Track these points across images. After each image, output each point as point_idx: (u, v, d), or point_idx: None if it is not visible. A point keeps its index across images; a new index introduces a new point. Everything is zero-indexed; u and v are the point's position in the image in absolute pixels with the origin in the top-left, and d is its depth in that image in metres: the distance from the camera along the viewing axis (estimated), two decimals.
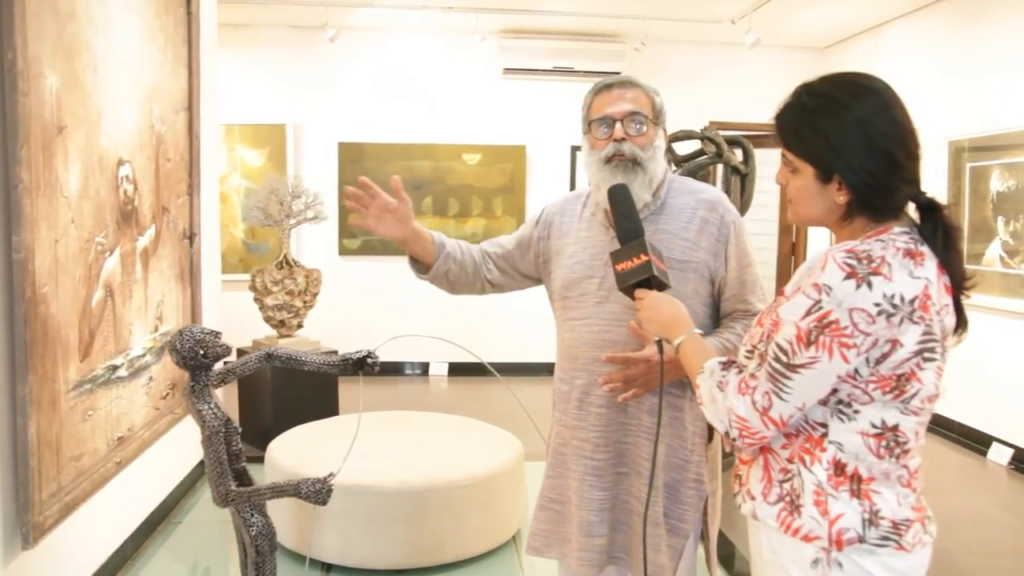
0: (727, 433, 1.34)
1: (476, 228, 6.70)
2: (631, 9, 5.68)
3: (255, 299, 4.67)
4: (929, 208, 1.31)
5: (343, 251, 6.67)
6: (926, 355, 1.25)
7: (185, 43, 3.59)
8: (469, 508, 3.08)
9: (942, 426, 5.17)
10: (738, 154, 4.30)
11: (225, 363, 2.06)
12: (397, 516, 2.99)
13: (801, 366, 1.24)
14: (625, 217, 1.61)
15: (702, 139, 4.20)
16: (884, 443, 1.28)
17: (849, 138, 1.26)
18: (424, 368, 6.80)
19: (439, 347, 6.13)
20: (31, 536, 2.26)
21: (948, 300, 1.28)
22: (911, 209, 1.34)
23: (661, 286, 1.54)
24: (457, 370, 6.69)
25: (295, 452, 3.30)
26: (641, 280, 1.52)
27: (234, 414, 4.72)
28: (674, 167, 4.23)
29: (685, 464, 1.80)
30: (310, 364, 2.06)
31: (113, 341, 2.84)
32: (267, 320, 4.68)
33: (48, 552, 2.42)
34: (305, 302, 4.70)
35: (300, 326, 4.77)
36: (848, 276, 1.21)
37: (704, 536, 1.89)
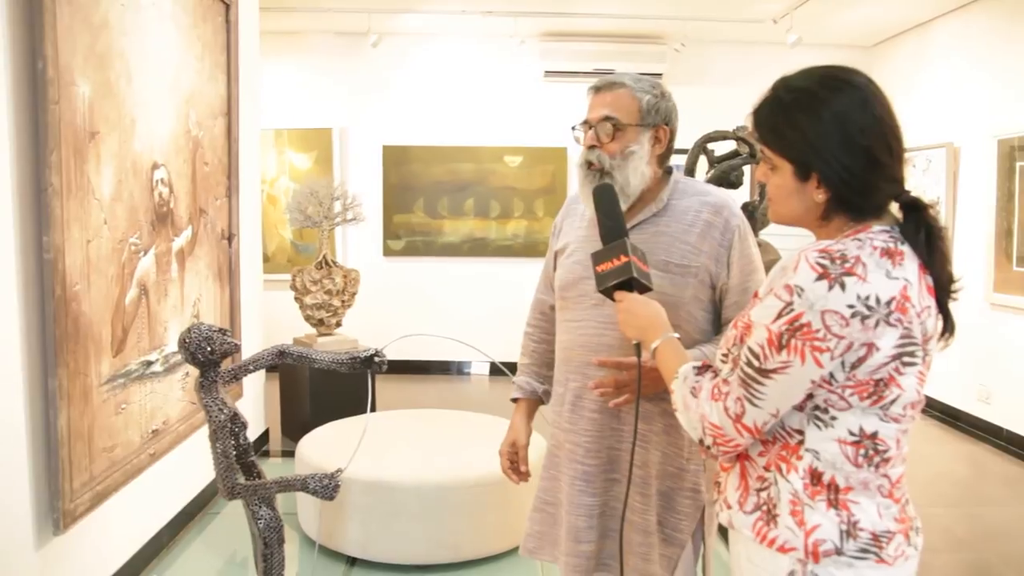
0: (701, 441, 1.31)
1: (517, 229, 6.74)
2: (671, 10, 5.64)
3: (295, 298, 4.79)
4: (912, 207, 1.25)
5: (387, 252, 6.79)
6: (905, 359, 1.20)
7: (224, 50, 3.71)
8: (488, 507, 3.11)
9: (989, 433, 5.00)
10: None
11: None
12: (417, 513, 3.04)
13: (773, 371, 1.20)
14: (607, 217, 1.57)
15: (736, 139, 4.15)
16: (862, 451, 1.23)
17: (826, 133, 1.22)
18: (466, 367, 6.86)
19: (481, 346, 6.19)
20: (62, 523, 2.37)
21: (931, 302, 1.23)
22: (895, 208, 1.28)
23: (643, 288, 1.50)
24: (499, 369, 6.73)
25: (324, 448, 3.38)
26: (622, 282, 1.48)
27: (275, 410, 4.91)
28: (708, 167, 4.20)
29: (681, 473, 1.75)
30: (320, 362, 2.12)
31: (148, 338, 2.96)
32: (307, 319, 4.80)
33: (80, 538, 2.54)
34: (343, 301, 4.81)
35: (339, 324, 4.87)
36: (820, 277, 1.16)
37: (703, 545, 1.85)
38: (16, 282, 2.22)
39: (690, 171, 4.00)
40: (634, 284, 1.49)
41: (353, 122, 6.66)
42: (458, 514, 3.07)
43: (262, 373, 4.68)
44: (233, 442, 1.94)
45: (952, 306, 1.29)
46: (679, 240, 1.72)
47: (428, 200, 6.74)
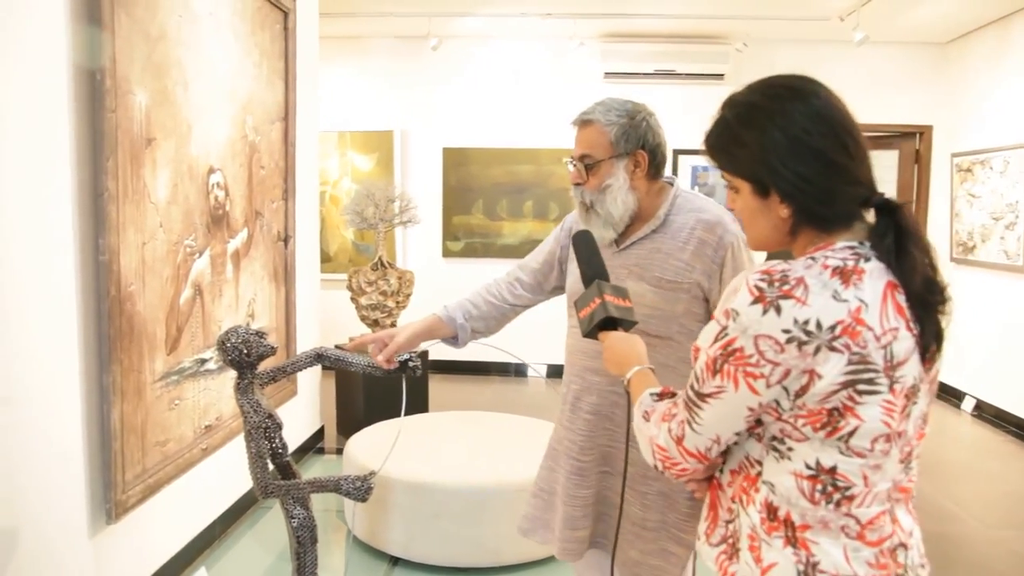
0: (655, 466, 1.27)
1: None
2: (734, 9, 5.54)
3: (351, 299, 4.89)
4: (886, 209, 1.17)
5: (446, 253, 6.86)
6: (860, 388, 1.09)
7: (281, 57, 3.81)
8: None
9: None
10: None
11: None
12: (458, 515, 3.06)
13: (709, 395, 1.17)
14: (585, 263, 1.63)
15: None
16: (819, 487, 1.14)
17: (772, 142, 1.16)
18: (524, 370, 6.88)
19: (536, 349, 6.19)
20: (114, 512, 2.48)
21: (899, 323, 1.11)
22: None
23: (627, 325, 1.52)
24: (556, 372, 6.72)
25: (372, 447, 3.43)
26: (605, 322, 1.50)
27: (331, 408, 5.02)
28: None
29: None
30: (356, 365, 2.16)
31: (202, 336, 3.06)
32: (362, 319, 4.89)
33: (131, 528, 2.65)
34: (398, 302, 4.88)
35: (394, 325, 4.94)
36: (756, 300, 1.10)
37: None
38: (75, 283, 2.33)
39: None
40: (617, 322, 1.51)
41: (414, 124, 6.75)
42: (499, 518, 3.08)
43: (318, 372, 4.80)
44: (268, 443, 1.99)
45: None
46: (673, 257, 1.80)
47: (487, 202, 6.79)
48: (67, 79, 2.26)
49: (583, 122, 1.84)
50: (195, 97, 2.92)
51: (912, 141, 6.42)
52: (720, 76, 6.15)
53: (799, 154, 1.15)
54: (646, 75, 6.33)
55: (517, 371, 6.86)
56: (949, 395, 6.20)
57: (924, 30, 5.92)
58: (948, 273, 6.29)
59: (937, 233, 6.39)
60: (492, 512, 3.07)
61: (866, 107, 6.36)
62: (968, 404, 5.88)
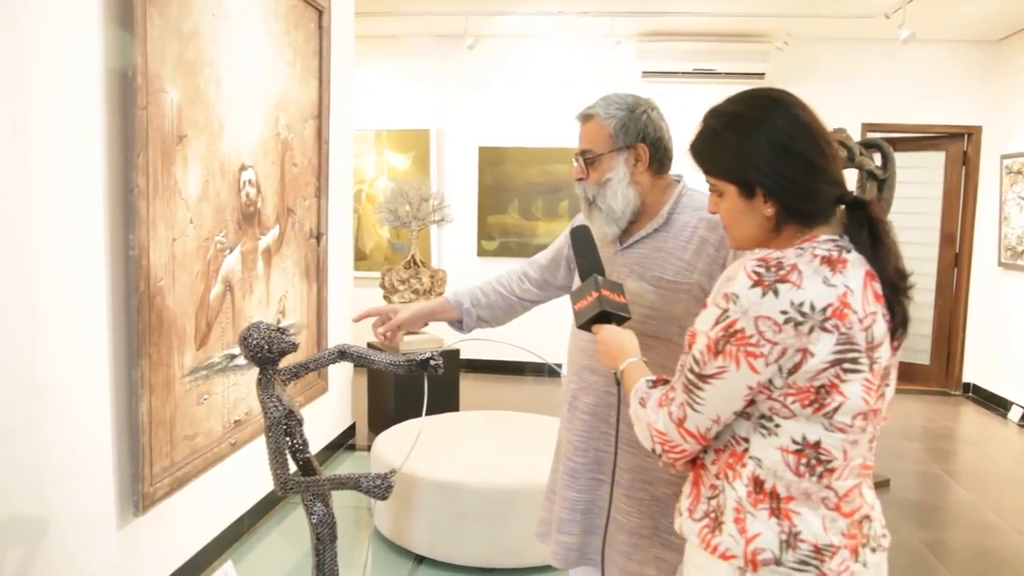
0: (653, 450, 1.34)
1: None
2: (774, 7, 5.43)
3: (384, 296, 4.91)
4: (856, 206, 1.29)
5: (481, 252, 6.85)
6: (846, 366, 1.20)
7: (315, 56, 3.83)
8: None
9: None
10: (876, 158, 4.01)
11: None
12: (483, 515, 3.05)
13: (711, 376, 1.24)
14: (582, 257, 1.66)
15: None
16: (804, 461, 1.24)
17: (758, 146, 1.27)
18: (557, 370, 6.83)
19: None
20: (141, 504, 2.51)
21: (877, 308, 1.23)
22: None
23: (620, 319, 1.56)
24: None
25: (398, 445, 3.44)
26: (599, 315, 1.55)
27: (362, 404, 5.04)
28: None
29: (676, 479, 1.76)
30: (378, 363, 2.14)
31: (232, 332, 3.08)
32: None
33: (158, 521, 2.68)
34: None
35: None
36: (755, 284, 1.20)
37: None
38: (104, 278, 2.36)
39: None
40: (611, 316, 1.55)
41: (450, 123, 6.76)
42: (524, 519, 3.04)
43: (349, 369, 4.82)
44: (288, 439, 1.99)
45: None
46: (675, 256, 1.76)
47: (522, 201, 6.77)
48: (99, 77, 2.29)
49: (585, 117, 1.83)
50: (227, 95, 2.95)
51: (960, 142, 6.24)
52: (761, 75, 6.05)
53: (785, 158, 1.27)
54: (685, 74, 6.25)
55: (551, 371, 6.82)
56: (995, 404, 6.01)
57: (974, 27, 5.74)
58: (995, 279, 6.11)
59: (985, 237, 6.21)
60: (517, 513, 3.05)
61: (912, 107, 6.20)
62: (1015, 414, 5.70)
